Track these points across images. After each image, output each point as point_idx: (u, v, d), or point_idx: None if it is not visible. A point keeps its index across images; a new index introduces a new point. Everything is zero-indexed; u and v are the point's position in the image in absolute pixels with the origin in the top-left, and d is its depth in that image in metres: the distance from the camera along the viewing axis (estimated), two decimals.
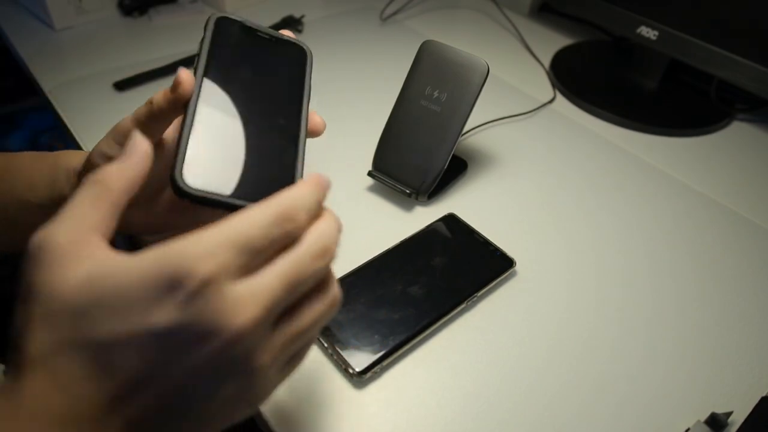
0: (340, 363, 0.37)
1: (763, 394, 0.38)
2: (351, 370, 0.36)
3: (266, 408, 0.35)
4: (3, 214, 0.37)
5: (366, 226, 0.48)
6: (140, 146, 0.24)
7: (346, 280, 0.41)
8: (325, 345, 0.38)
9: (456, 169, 0.53)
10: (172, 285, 0.20)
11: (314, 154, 0.55)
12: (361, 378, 0.36)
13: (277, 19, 0.75)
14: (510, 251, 0.45)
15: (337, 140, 0.57)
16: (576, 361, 0.40)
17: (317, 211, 0.24)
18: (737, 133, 0.66)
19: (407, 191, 0.48)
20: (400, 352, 0.38)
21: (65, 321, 0.21)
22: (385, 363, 0.37)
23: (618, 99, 0.68)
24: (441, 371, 0.38)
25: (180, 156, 0.26)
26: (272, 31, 0.34)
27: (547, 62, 0.74)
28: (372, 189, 0.52)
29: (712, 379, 0.39)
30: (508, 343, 0.40)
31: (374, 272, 0.42)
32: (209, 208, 0.27)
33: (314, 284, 0.24)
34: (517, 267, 0.45)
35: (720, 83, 0.67)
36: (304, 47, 0.35)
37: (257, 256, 0.22)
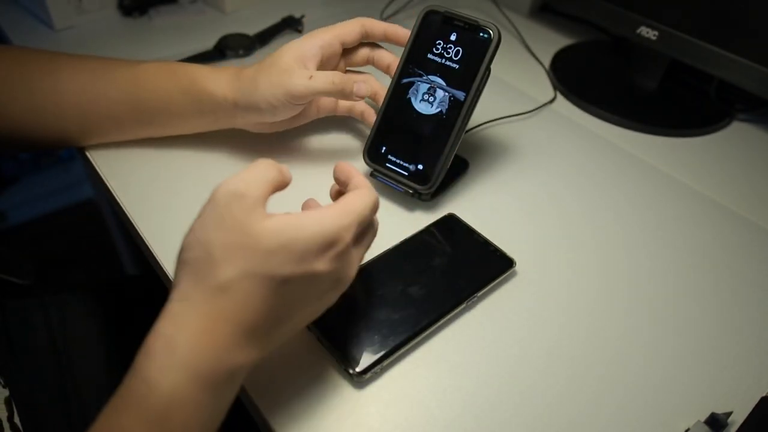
0: (340, 363, 0.37)
1: (763, 394, 0.38)
2: (351, 370, 0.36)
3: (266, 408, 0.35)
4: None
5: None
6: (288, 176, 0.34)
7: None
8: (326, 345, 0.38)
9: (457, 168, 0.53)
10: (331, 245, 0.30)
11: (316, 154, 0.55)
12: (361, 378, 0.36)
13: (277, 18, 0.75)
14: (510, 251, 0.45)
15: (338, 140, 0.57)
16: (576, 361, 0.40)
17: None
18: (737, 133, 0.66)
19: (410, 191, 0.48)
20: (400, 352, 0.38)
21: (258, 256, 0.29)
22: (385, 363, 0.37)
23: (618, 99, 0.68)
24: (441, 371, 0.38)
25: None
26: (467, 18, 0.45)
27: (547, 62, 0.74)
28: None
29: (712, 379, 0.39)
30: (508, 343, 0.40)
31: (374, 272, 0.42)
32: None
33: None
34: (517, 267, 0.45)
35: (720, 83, 0.67)
36: (491, 32, 0.44)
37: (365, 227, 0.34)
